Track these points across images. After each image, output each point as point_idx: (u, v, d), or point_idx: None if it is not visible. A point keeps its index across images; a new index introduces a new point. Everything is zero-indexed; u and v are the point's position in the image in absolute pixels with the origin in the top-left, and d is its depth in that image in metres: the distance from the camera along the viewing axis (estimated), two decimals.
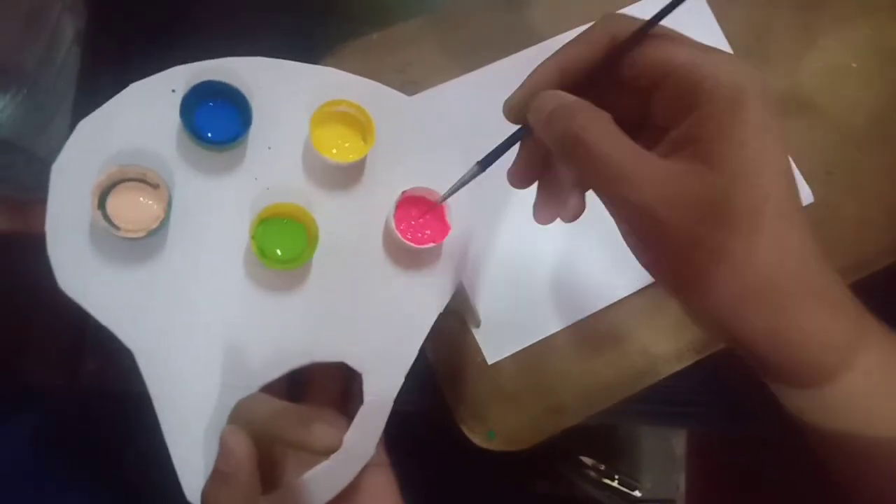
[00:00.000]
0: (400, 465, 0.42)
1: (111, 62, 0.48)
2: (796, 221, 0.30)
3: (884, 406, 0.32)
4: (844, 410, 0.32)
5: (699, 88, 0.29)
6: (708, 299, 0.30)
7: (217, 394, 0.37)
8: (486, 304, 0.46)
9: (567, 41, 0.33)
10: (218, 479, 0.32)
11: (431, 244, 0.39)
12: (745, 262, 0.29)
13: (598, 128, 0.30)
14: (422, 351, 0.45)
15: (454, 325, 0.46)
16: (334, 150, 0.40)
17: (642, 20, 0.31)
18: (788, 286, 0.30)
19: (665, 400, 0.48)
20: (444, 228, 0.40)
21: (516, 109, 0.34)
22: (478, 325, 0.46)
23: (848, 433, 0.33)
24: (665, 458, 1.09)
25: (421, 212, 0.40)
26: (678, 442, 1.09)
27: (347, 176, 0.40)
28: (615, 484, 0.98)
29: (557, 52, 0.33)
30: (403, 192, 0.39)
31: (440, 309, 0.41)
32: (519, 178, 0.36)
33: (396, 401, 0.45)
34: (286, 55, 0.41)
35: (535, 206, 0.36)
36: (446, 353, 0.46)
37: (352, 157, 0.39)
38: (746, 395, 0.48)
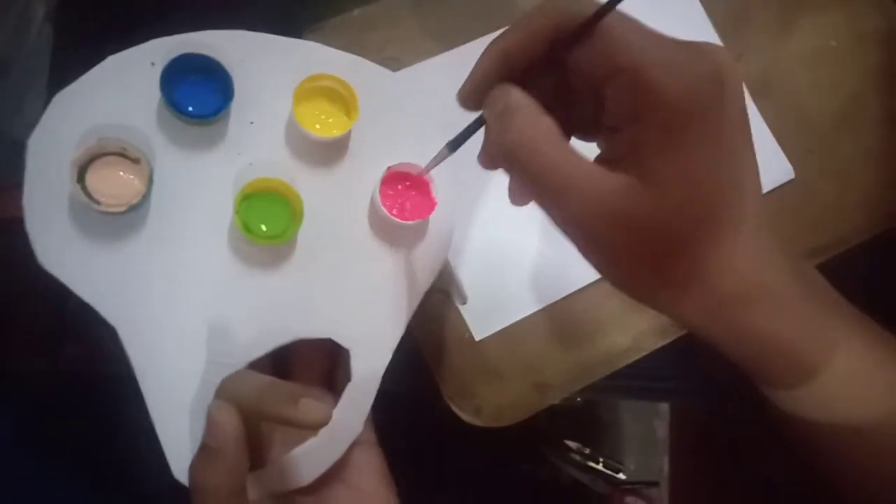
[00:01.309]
0: (387, 443, 0.41)
1: (84, 41, 0.47)
2: (752, 233, 0.29)
3: (863, 398, 0.33)
4: (826, 406, 0.33)
5: (643, 97, 0.26)
6: (675, 312, 0.31)
7: (203, 370, 0.37)
8: (472, 282, 0.46)
9: (511, 26, 0.29)
10: (205, 454, 0.32)
11: (418, 220, 0.39)
12: (701, 281, 0.29)
13: (534, 137, 0.28)
14: (409, 329, 0.45)
15: (441, 303, 0.46)
16: (318, 126, 0.39)
17: (588, 3, 0.28)
18: (756, 296, 0.30)
19: (648, 375, 0.49)
20: (430, 204, 0.39)
21: (467, 100, 0.31)
22: (464, 303, 0.46)
23: (830, 425, 0.33)
24: (648, 440, 1.10)
25: (405, 187, 0.40)
26: (661, 424, 1.10)
27: (331, 151, 0.40)
28: (599, 467, 0.99)
29: (501, 37, 0.30)
30: (389, 168, 0.39)
31: (428, 285, 0.40)
32: (487, 161, 0.34)
33: (383, 379, 0.45)
34: (266, 31, 0.41)
35: (509, 188, 0.34)
36: (433, 331, 0.45)
37: (335, 133, 0.39)
38: (728, 371, 0.49)
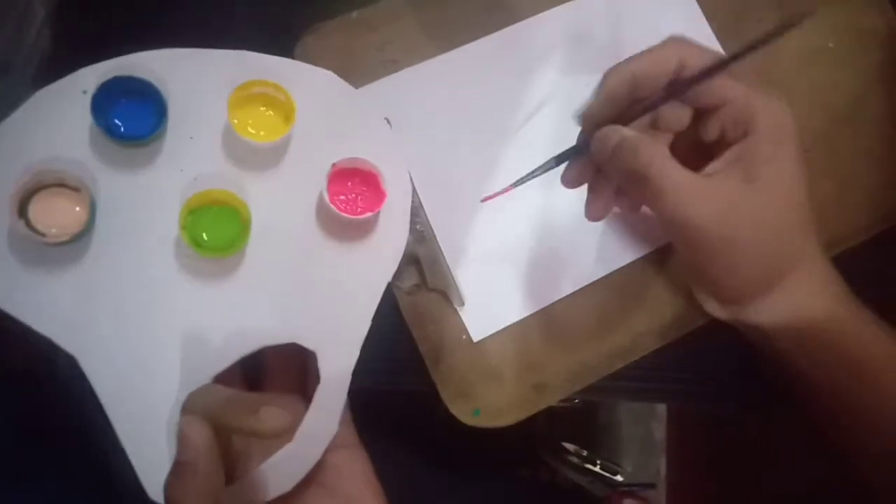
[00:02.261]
0: (382, 445, 0.41)
1: (83, 43, 0.47)
2: (814, 229, 0.40)
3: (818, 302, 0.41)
4: (782, 309, 0.41)
5: (755, 118, 0.37)
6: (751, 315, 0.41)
7: (168, 389, 0.37)
8: (470, 283, 0.46)
9: (637, 54, 0.38)
10: (178, 469, 0.32)
11: (368, 213, 0.39)
12: (769, 256, 0.38)
13: (658, 163, 0.36)
14: (406, 330, 0.45)
15: (439, 304, 0.46)
16: (262, 132, 0.39)
17: (707, 49, 0.37)
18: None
19: (646, 377, 0.48)
20: (379, 196, 0.39)
21: (592, 119, 0.39)
22: (461, 305, 0.46)
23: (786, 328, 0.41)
24: (646, 442, 1.10)
25: (354, 183, 0.40)
26: (659, 427, 1.11)
27: (274, 156, 0.40)
28: (597, 469, 0.99)
29: (629, 60, 0.37)
30: (334, 165, 0.39)
31: (388, 277, 0.41)
32: (571, 183, 0.41)
33: (380, 381, 0.45)
34: (265, 34, 0.41)
35: (588, 206, 0.42)
36: (431, 332, 0.45)
37: (275, 137, 0.39)
38: (724, 372, 0.49)
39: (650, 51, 0.37)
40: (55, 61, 0.48)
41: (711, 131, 0.39)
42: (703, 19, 0.52)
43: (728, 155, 0.38)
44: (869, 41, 0.54)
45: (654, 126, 0.40)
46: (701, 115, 0.39)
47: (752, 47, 0.34)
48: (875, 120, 0.53)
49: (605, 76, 0.38)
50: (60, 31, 0.48)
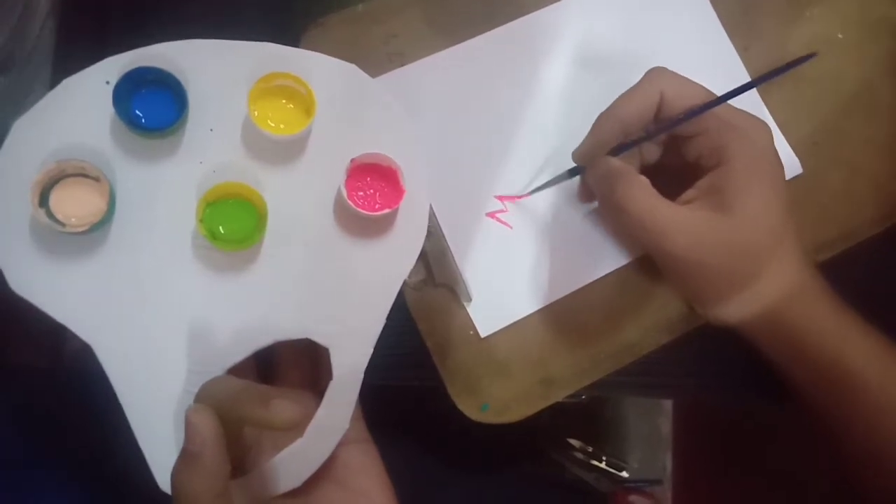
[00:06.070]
0: (389, 440, 0.41)
1: (87, 35, 0.47)
2: (790, 243, 0.41)
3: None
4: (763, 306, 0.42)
5: (727, 149, 0.39)
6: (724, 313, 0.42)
7: (182, 382, 0.37)
8: (477, 279, 0.46)
9: (623, 95, 0.41)
10: (184, 458, 0.31)
11: (387, 210, 0.38)
12: (753, 285, 0.40)
13: (634, 195, 0.39)
14: (413, 325, 0.45)
15: (446, 300, 0.46)
16: (282, 125, 0.39)
17: (685, 79, 0.40)
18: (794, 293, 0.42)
19: (653, 371, 0.48)
20: (398, 192, 0.39)
21: (580, 157, 0.43)
22: (469, 300, 0.45)
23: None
24: (652, 439, 1.10)
25: (373, 178, 0.40)
26: (665, 422, 1.10)
27: (293, 150, 0.40)
28: (602, 465, 0.99)
29: (617, 105, 0.41)
30: (352, 160, 0.38)
31: (405, 274, 0.40)
32: (584, 198, 0.47)
33: (388, 376, 0.44)
34: (269, 26, 0.41)
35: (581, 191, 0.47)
36: (438, 327, 0.45)
37: (295, 130, 0.38)
38: (733, 367, 0.48)
39: (634, 91, 0.40)
40: (59, 54, 0.48)
41: (689, 155, 0.41)
42: (711, 10, 0.52)
43: (703, 182, 0.40)
44: (878, 31, 0.54)
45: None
46: (681, 139, 0.42)
47: (733, 93, 0.38)
48: (884, 111, 0.52)
49: (596, 123, 0.41)
50: (64, 25, 0.48)
